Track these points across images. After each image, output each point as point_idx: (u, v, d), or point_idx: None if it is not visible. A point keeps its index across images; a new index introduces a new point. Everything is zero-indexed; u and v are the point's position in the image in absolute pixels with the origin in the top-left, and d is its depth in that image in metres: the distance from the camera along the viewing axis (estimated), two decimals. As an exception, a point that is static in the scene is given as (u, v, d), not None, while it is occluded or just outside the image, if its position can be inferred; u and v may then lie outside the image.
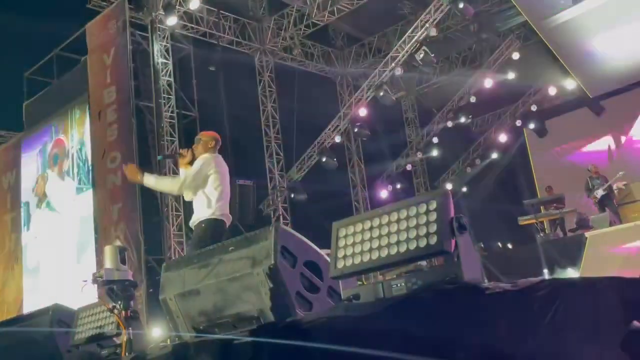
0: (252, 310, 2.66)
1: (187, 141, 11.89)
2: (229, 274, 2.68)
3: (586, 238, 9.19)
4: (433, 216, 2.13)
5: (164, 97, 11.60)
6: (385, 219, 2.25)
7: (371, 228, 2.28)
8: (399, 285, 2.24)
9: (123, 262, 2.96)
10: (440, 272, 2.17)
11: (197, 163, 4.77)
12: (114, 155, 10.82)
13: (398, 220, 2.22)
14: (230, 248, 2.72)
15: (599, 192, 10.96)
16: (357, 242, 2.30)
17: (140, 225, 10.39)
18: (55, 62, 12.95)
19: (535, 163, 14.12)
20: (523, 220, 10.92)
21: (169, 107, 11.65)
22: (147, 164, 11.34)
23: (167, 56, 11.84)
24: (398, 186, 14.34)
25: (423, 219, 2.15)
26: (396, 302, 2.17)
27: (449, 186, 14.56)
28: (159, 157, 4.80)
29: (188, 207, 11.43)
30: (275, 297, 2.54)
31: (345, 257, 2.31)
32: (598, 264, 8.26)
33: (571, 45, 11.86)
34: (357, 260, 2.27)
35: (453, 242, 2.10)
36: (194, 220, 4.79)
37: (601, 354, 2.07)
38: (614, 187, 10.93)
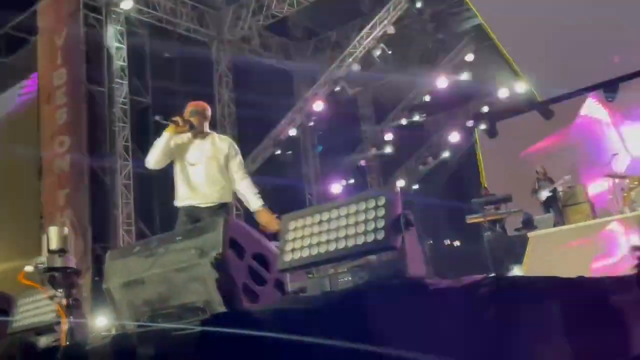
0: (198, 301, 2.63)
1: (140, 128, 11.68)
2: (176, 264, 2.65)
3: (530, 238, 9.46)
4: (381, 212, 2.16)
5: (116, 82, 11.35)
6: (334, 213, 2.26)
7: (320, 222, 2.29)
8: (346, 279, 2.26)
9: (66, 248, 2.89)
10: (387, 268, 2.20)
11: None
12: (62, 139, 10.54)
13: (347, 215, 2.23)
14: (178, 238, 2.69)
15: (544, 194, 11.29)
16: (305, 236, 2.31)
17: (88, 212, 10.16)
18: (4, 41, 12.51)
19: (485, 163, 14.43)
20: (471, 219, 11.15)
21: (122, 92, 11.40)
22: (96, 150, 11.07)
23: (121, 40, 11.58)
24: (352, 181, 14.43)
25: (372, 214, 2.17)
26: (341, 295, 2.19)
27: (401, 183, 14.74)
28: (156, 117, 4.43)
29: (139, 195, 11.31)
30: (221, 288, 2.53)
31: (293, 250, 2.32)
32: (540, 263, 8.50)
33: (523, 47, 12.17)
34: (305, 253, 2.28)
35: (400, 238, 2.13)
36: (215, 200, 4.39)
37: (540, 352, 2.13)
38: (559, 189, 11.29)
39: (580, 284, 2.57)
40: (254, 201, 4.37)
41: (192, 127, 4.36)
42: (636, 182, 10.07)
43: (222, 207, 4.37)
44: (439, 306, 2.06)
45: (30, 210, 11.06)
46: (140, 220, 11.24)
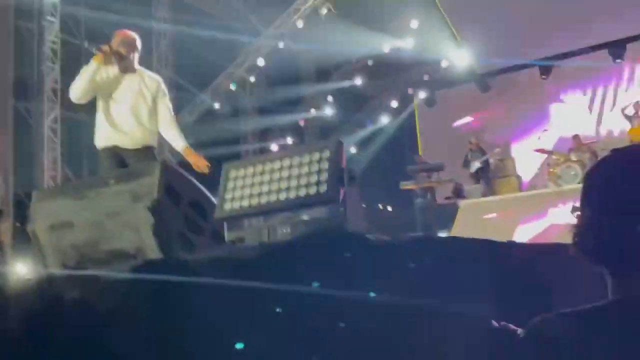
0: (129, 248, 2.55)
1: (70, 70, 11.10)
2: (107, 208, 2.54)
3: (459, 207, 9.75)
4: (325, 165, 2.13)
5: (47, 20, 10.73)
6: (277, 164, 2.22)
7: (262, 172, 2.24)
8: (285, 231, 2.23)
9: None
10: (326, 221, 2.18)
11: (162, 85, 4.23)
12: (-14, 76, 9.92)
13: (290, 167, 2.19)
14: (111, 181, 2.58)
15: (476, 164, 11.61)
16: (246, 185, 2.26)
17: (11, 156, 9.68)
18: None
19: (422, 131, 14.65)
20: (404, 185, 11.35)
21: (53, 30, 10.79)
22: (22, 89, 10.51)
23: (54, -26, 10.92)
24: (289, 141, 14.35)
25: (315, 167, 2.14)
26: (279, 247, 2.16)
27: (338, 146, 14.72)
28: (86, 44, 4.18)
29: (67, 140, 10.84)
30: (155, 235, 2.45)
31: (233, 199, 2.26)
32: (467, 231, 8.76)
33: (464, 14, 12.32)
34: (245, 203, 2.23)
35: (342, 192, 2.11)
36: (140, 142, 4.15)
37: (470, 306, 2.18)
38: (490, 160, 11.63)
39: (509, 247, 2.64)
40: (181, 139, 4.20)
41: (121, 59, 4.04)
42: (562, 159, 10.51)
43: (148, 150, 4.13)
44: (376, 260, 2.07)
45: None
46: (67, 167, 10.81)
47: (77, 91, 4.06)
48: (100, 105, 4.16)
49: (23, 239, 8.80)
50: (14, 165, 9.63)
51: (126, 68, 4.09)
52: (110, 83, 4.08)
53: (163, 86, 4.24)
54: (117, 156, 4.05)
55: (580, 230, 1.18)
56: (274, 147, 14.15)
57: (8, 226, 8.80)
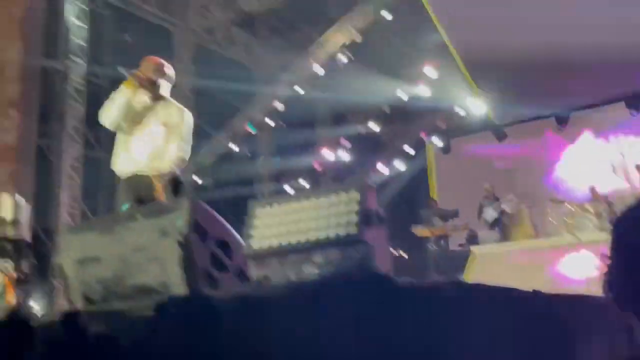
0: (154, 283, 2.56)
1: (93, 110, 11.34)
2: (134, 243, 2.57)
3: (473, 253, 9.68)
4: (354, 206, 2.15)
5: (74, 61, 11.03)
6: (305, 204, 2.25)
7: (291, 211, 2.27)
8: (311, 270, 2.24)
9: (20, 219, 2.76)
10: (354, 261, 2.19)
11: (187, 117, 4.11)
12: (11, 113, 10.15)
13: (319, 206, 2.22)
14: (139, 216, 2.62)
15: (490, 212, 11.56)
16: (274, 224, 2.28)
17: (31, 191, 9.80)
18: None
19: (437, 177, 14.67)
20: (417, 230, 11.33)
21: (78, 72, 11.09)
22: (46, 128, 10.73)
23: (82, 19, 11.27)
24: (304, 184, 14.42)
25: (344, 208, 2.16)
26: (306, 286, 2.17)
27: (352, 190, 14.75)
28: (119, 68, 4.04)
29: (86, 178, 10.99)
30: (181, 271, 2.47)
31: (260, 237, 2.29)
32: (481, 278, 8.69)
33: (482, 69, 12.48)
34: (273, 241, 2.25)
35: (370, 233, 2.13)
36: (158, 169, 4.04)
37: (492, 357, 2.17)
38: (504, 208, 11.58)
39: (534, 297, 2.63)
40: (163, 162, 4.02)
41: (150, 85, 4.00)
42: (578, 209, 10.45)
43: (167, 177, 4.05)
44: (404, 305, 2.07)
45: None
46: (85, 204, 10.93)
47: (108, 116, 4.03)
48: (123, 130, 4.12)
49: (38, 275, 8.86)
50: (34, 201, 9.74)
51: (154, 95, 4.07)
52: (137, 109, 4.05)
53: (187, 117, 4.16)
54: (136, 182, 4.02)
55: (611, 277, 1.19)
56: (289, 189, 14.21)
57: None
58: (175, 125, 4.05)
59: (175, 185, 4.05)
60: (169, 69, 4.16)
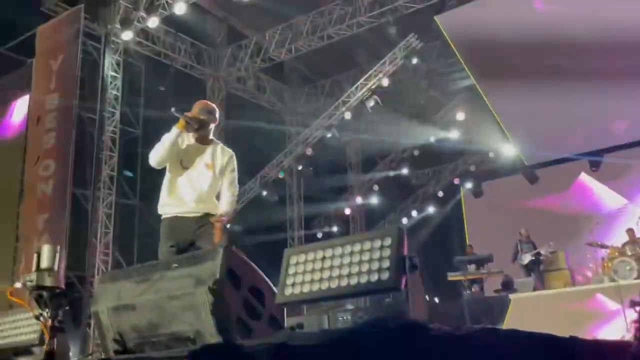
0: (188, 332, 2.56)
1: (127, 158, 11.64)
2: (170, 292, 2.58)
3: (510, 300, 9.46)
4: (387, 252, 2.14)
5: (108, 110, 11.36)
6: (338, 251, 2.24)
7: (323, 258, 2.27)
8: (345, 317, 2.22)
9: (55, 267, 2.81)
10: (388, 309, 2.17)
11: (233, 161, 4.14)
12: (48, 163, 10.42)
13: (351, 253, 2.21)
14: (174, 265, 2.64)
15: (527, 257, 11.35)
16: (307, 271, 2.28)
17: (66, 239, 9.97)
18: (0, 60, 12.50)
19: (469, 221, 14.51)
20: (452, 277, 11.15)
21: (113, 121, 11.40)
22: (81, 176, 10.97)
23: (117, 70, 11.65)
24: (334, 229, 14.40)
25: (377, 254, 2.15)
26: (340, 334, 2.14)
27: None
28: (172, 110, 3.99)
29: (119, 226, 11.15)
30: (215, 319, 2.47)
31: (294, 284, 2.28)
32: (520, 326, 8.45)
33: (512, 110, 12.46)
34: (306, 289, 2.24)
35: (404, 280, 2.11)
36: (200, 210, 4.05)
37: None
38: (542, 253, 11.35)
39: (573, 343, 2.56)
40: (223, 207, 4.05)
41: (201, 127, 4.02)
42: (616, 253, 10.19)
43: (208, 217, 4.04)
44: (440, 353, 2.03)
45: (7, 233, 10.83)
46: (117, 252, 11.06)
47: (158, 156, 4.01)
48: (169, 171, 4.11)
49: (72, 322, 8.93)
50: (67, 248, 9.89)
51: (203, 138, 4.10)
52: (186, 151, 4.07)
53: (234, 160, 4.18)
54: (178, 224, 3.99)
55: None
56: (319, 235, 14.21)
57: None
58: (223, 168, 4.10)
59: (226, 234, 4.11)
60: (217, 113, 4.25)
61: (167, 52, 12.60)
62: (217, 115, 4.22)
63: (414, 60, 11.88)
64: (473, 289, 10.81)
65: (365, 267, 2.16)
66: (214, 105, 4.26)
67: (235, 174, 4.16)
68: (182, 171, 4.04)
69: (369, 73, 12.49)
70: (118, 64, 11.69)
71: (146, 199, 11.75)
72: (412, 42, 11.86)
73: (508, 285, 10.78)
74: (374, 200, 14.90)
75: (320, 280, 2.23)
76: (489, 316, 9.42)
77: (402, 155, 14.45)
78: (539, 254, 11.26)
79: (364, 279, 2.15)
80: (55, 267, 2.78)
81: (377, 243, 2.19)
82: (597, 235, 11.67)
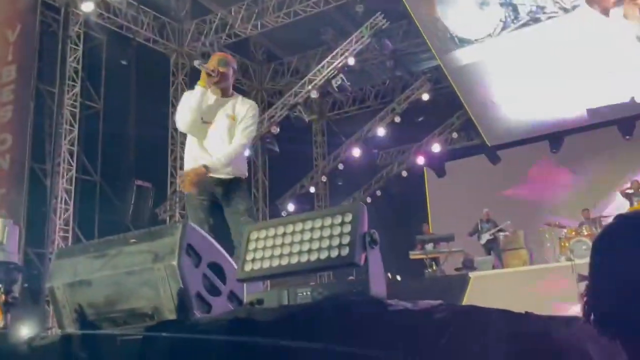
0: (146, 307, 2.53)
1: (87, 133, 11.40)
2: (127, 267, 2.55)
3: (469, 278, 9.65)
4: (347, 228, 2.14)
5: (68, 84, 11.06)
6: (299, 227, 2.24)
7: (284, 234, 2.26)
8: (304, 293, 2.23)
9: (5, 241, 2.73)
10: (348, 285, 2.18)
11: (252, 109, 3.86)
12: (5, 137, 10.14)
13: (312, 229, 2.21)
14: (132, 240, 2.60)
15: (486, 236, 11.58)
16: (267, 247, 2.27)
17: (24, 215, 9.75)
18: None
19: (431, 201, 14.69)
20: (413, 255, 11.30)
21: (73, 95, 11.12)
22: (39, 151, 10.71)
23: (77, 42, 11.34)
24: (299, 207, 14.40)
25: (337, 230, 2.15)
26: (299, 310, 2.15)
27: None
28: (196, 62, 3.78)
29: (80, 201, 10.95)
30: (173, 295, 2.45)
31: (254, 260, 2.27)
32: (478, 304, 8.63)
33: (474, 92, 12.60)
34: (266, 264, 2.23)
35: (364, 255, 2.12)
36: (228, 172, 3.75)
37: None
38: (501, 233, 11.59)
39: (527, 319, 2.61)
40: (216, 157, 3.73)
41: (223, 79, 3.76)
42: (573, 232, 10.46)
43: (237, 183, 3.80)
44: (397, 327, 2.05)
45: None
46: (78, 228, 10.88)
47: (187, 120, 3.76)
48: (196, 131, 3.85)
49: (28, 298, 8.76)
50: (26, 224, 9.68)
51: (224, 91, 3.85)
52: (210, 107, 3.82)
53: (255, 109, 3.91)
54: (205, 184, 3.74)
55: (588, 300, 1.14)
56: (284, 213, 14.20)
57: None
58: (242, 117, 3.82)
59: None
60: (235, 63, 3.99)
61: (129, 25, 12.31)
62: (235, 66, 3.97)
63: (380, 40, 11.88)
64: (434, 267, 10.99)
65: (325, 243, 2.16)
66: (231, 56, 4.01)
67: (252, 122, 3.85)
68: (207, 128, 3.80)
69: (336, 51, 12.43)
70: (78, 37, 11.39)
71: (108, 175, 11.56)
72: (378, 21, 11.83)
73: (468, 264, 10.98)
74: (339, 179, 14.95)
75: (281, 256, 2.23)
76: (449, 294, 9.58)
77: (367, 134, 14.47)
78: (497, 232, 11.50)
79: (324, 255, 2.15)
80: (5, 242, 2.71)
81: (338, 219, 2.19)
82: (555, 216, 11.96)
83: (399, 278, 13.46)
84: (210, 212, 3.77)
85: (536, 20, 11.23)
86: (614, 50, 10.91)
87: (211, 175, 3.70)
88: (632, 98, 11.18)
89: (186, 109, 3.77)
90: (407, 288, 12.15)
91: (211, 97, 3.84)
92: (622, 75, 11.14)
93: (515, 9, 11.28)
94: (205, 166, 3.65)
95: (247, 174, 3.91)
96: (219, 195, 3.77)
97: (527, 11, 11.22)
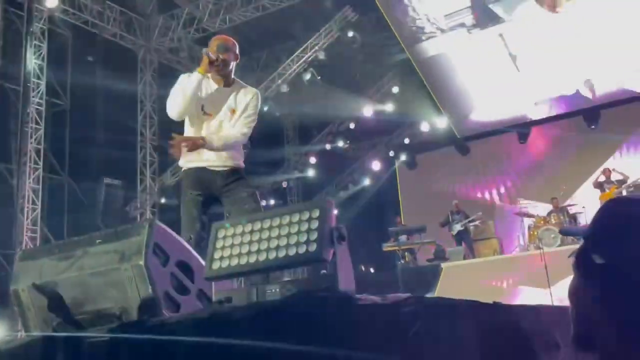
0: (114, 308, 2.50)
1: (54, 131, 11.19)
2: (93, 268, 2.51)
3: (442, 268, 9.76)
4: (315, 224, 2.14)
5: (33, 81, 10.84)
6: (267, 223, 2.23)
7: (252, 231, 2.25)
8: (273, 290, 2.22)
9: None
10: (316, 281, 2.18)
11: (255, 99, 3.62)
12: (-31, 136, 9.92)
13: (280, 226, 2.20)
14: (98, 240, 2.56)
15: (457, 227, 11.71)
16: (235, 244, 2.25)
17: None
18: None
19: (403, 193, 14.79)
20: (386, 247, 11.39)
21: (38, 92, 10.90)
22: (5, 150, 10.49)
23: (42, 39, 11.11)
24: (272, 202, 14.39)
25: (305, 226, 2.15)
26: (268, 307, 2.15)
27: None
28: (203, 51, 3.47)
29: (48, 201, 10.76)
30: (141, 295, 2.42)
31: (221, 258, 2.25)
32: (451, 294, 8.73)
33: (443, 84, 12.70)
34: (234, 262, 2.22)
35: (331, 251, 2.12)
36: (225, 163, 3.56)
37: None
38: (472, 223, 11.74)
39: (494, 308, 2.65)
40: (215, 137, 3.50)
41: (224, 66, 3.50)
42: (541, 221, 10.64)
43: (236, 173, 3.60)
44: (366, 322, 2.06)
45: None
46: (46, 228, 10.69)
47: (179, 107, 3.48)
48: (189, 119, 3.61)
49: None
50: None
51: (225, 79, 3.60)
52: (206, 95, 3.56)
53: (257, 99, 3.67)
54: (203, 178, 3.55)
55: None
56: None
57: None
58: (245, 107, 3.59)
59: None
60: (237, 48, 3.68)
61: (95, 21, 12.10)
62: (237, 50, 3.67)
63: (350, 33, 11.89)
64: (407, 259, 11.08)
65: (293, 240, 2.16)
66: (232, 40, 3.69)
67: (254, 112, 3.63)
68: (204, 118, 3.55)
69: (305, 45, 12.41)
70: (42, 33, 11.15)
71: (76, 173, 11.37)
72: (347, 14, 11.84)
73: (440, 255, 11.10)
74: (311, 173, 14.96)
75: (249, 253, 2.21)
76: (422, 284, 9.68)
77: (338, 128, 14.52)
78: (468, 223, 11.65)
79: (292, 251, 2.14)
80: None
81: (306, 215, 2.19)
82: (524, 205, 12.16)
83: (372, 270, 13.57)
84: (204, 209, 3.58)
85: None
86: (569, 43, 11.10)
87: (208, 167, 3.53)
88: (588, 80, 11.39)
89: (180, 96, 3.49)
90: (381, 280, 12.26)
91: (212, 85, 3.59)
92: (578, 67, 11.36)
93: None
94: (203, 138, 3.44)
95: (243, 165, 3.69)
96: (217, 189, 3.57)
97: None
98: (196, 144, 3.43)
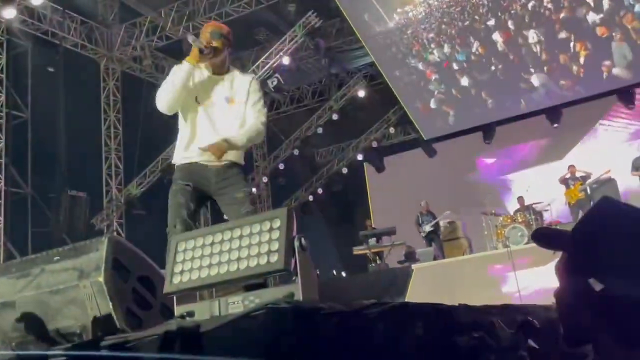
0: (74, 326, 2.45)
1: (15, 144, 10.95)
2: (51, 286, 2.46)
3: (412, 270, 9.80)
4: (276, 234, 2.13)
5: (-7, 93, 10.62)
6: (227, 235, 2.21)
7: (212, 243, 2.22)
8: (235, 303, 2.20)
9: None
10: (279, 292, 2.16)
11: (255, 83, 3.42)
12: None
13: (240, 237, 2.18)
14: (55, 258, 2.51)
15: (427, 228, 11.78)
16: (196, 257, 2.23)
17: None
18: None
19: (373, 196, 14.85)
20: (357, 250, 11.40)
21: (-2, 104, 10.68)
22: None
23: (0, 50, 10.88)
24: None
25: (266, 237, 2.13)
26: (230, 320, 2.12)
27: (290, 213, 14.74)
28: (190, 38, 3.17)
29: (11, 215, 10.51)
30: (101, 312, 2.38)
31: (182, 272, 2.22)
32: (422, 294, 8.80)
33: (411, 88, 12.80)
34: (195, 276, 2.19)
35: (293, 261, 2.11)
36: (226, 157, 3.28)
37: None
38: (441, 224, 11.83)
39: (458, 310, 2.66)
40: (233, 135, 3.27)
41: (217, 55, 3.28)
42: (508, 220, 10.77)
43: (233, 168, 3.34)
44: (330, 331, 2.05)
45: None
46: (10, 243, 10.45)
47: (168, 99, 3.28)
48: (182, 111, 3.40)
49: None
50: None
51: (219, 66, 3.38)
52: (200, 84, 3.35)
53: (256, 83, 3.46)
54: (197, 174, 3.30)
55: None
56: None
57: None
58: (247, 95, 3.36)
59: None
60: (231, 34, 3.45)
61: (55, 31, 11.88)
62: (231, 37, 3.43)
63: (314, 38, 11.91)
64: (377, 262, 11.11)
65: (254, 251, 2.14)
66: (226, 26, 3.48)
67: (260, 97, 3.43)
68: (198, 111, 3.35)
69: (270, 51, 12.39)
70: (1, 44, 10.93)
71: (39, 186, 11.14)
72: (311, 19, 11.85)
73: (410, 256, 11.15)
74: (280, 179, 14.92)
75: (210, 266, 2.19)
76: (393, 287, 9.70)
77: (306, 133, 14.52)
78: (437, 224, 11.74)
79: (253, 263, 2.13)
80: None
81: (267, 225, 2.17)
82: (491, 204, 12.30)
83: (344, 274, 13.59)
84: (192, 198, 3.29)
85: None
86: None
87: (200, 162, 3.29)
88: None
89: (169, 88, 3.29)
90: (352, 284, 12.27)
91: (204, 74, 3.39)
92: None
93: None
94: (226, 140, 3.20)
95: (243, 161, 3.45)
96: (210, 185, 3.32)
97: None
98: (221, 150, 3.20)
